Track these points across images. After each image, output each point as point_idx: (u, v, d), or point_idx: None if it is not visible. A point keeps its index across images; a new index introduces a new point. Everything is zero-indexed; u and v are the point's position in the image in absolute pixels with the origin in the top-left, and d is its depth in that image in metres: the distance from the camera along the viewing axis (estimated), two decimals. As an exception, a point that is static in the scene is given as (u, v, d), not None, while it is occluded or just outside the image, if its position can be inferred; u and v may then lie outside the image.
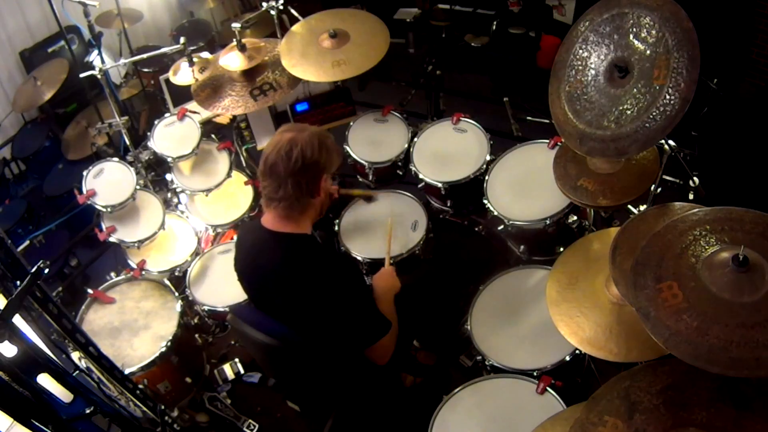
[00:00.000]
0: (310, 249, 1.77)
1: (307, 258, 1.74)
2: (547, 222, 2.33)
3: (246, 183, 3.11)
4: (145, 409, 1.85)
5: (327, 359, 1.80)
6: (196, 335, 2.77)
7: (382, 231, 2.59)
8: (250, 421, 2.61)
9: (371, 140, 2.89)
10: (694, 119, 3.20)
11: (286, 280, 1.72)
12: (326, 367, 1.84)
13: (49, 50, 4.08)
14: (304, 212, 1.75)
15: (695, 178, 2.27)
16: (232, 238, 2.98)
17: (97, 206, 2.75)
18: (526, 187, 2.50)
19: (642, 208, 2.18)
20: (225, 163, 3.02)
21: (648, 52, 1.66)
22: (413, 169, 2.72)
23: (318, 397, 2.11)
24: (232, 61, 2.68)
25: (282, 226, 1.74)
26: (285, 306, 1.76)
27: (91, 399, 1.61)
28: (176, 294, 2.60)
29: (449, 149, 2.74)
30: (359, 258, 2.51)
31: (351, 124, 2.95)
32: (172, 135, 2.99)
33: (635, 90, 1.68)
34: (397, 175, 2.88)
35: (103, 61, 3.50)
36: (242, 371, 2.81)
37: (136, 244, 2.77)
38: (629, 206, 2.30)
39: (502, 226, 2.47)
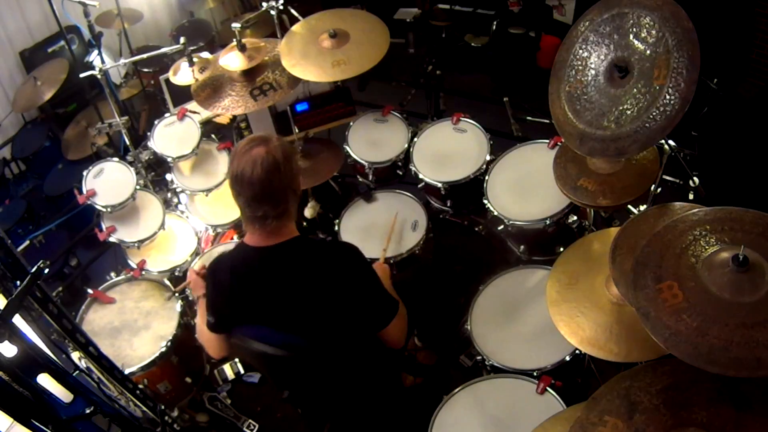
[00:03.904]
0: (318, 245, 1.77)
1: (322, 253, 1.73)
2: (547, 222, 2.33)
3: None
4: (145, 409, 1.85)
5: (336, 360, 1.80)
6: (196, 335, 2.77)
7: (382, 231, 2.59)
8: (250, 421, 2.61)
9: (371, 140, 2.89)
10: (694, 119, 3.20)
11: (312, 281, 1.69)
12: (334, 369, 1.84)
13: (49, 50, 4.08)
14: (293, 215, 1.72)
15: (695, 178, 2.27)
16: (232, 238, 2.98)
17: (97, 206, 2.75)
18: (526, 187, 2.50)
19: (642, 208, 2.18)
20: (225, 163, 3.02)
21: (648, 52, 1.66)
22: (413, 169, 2.72)
23: (322, 400, 2.10)
24: (232, 61, 2.68)
25: (278, 238, 1.69)
26: (308, 310, 1.71)
27: (91, 399, 1.61)
28: (176, 294, 2.60)
29: (449, 149, 2.74)
30: (359, 258, 2.51)
31: (351, 124, 2.95)
32: (172, 135, 2.99)
33: (635, 90, 1.68)
34: (397, 175, 2.88)
35: (103, 61, 3.50)
36: (242, 371, 2.81)
37: (136, 244, 2.76)
38: (629, 206, 2.30)
39: (502, 226, 2.47)
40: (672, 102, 1.58)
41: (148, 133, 3.01)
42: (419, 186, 2.73)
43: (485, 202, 2.51)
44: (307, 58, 2.69)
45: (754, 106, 3.56)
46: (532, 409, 1.85)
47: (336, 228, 2.68)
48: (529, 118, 3.44)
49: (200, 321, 1.98)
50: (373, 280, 1.78)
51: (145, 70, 4.20)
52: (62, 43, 3.99)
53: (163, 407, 1.96)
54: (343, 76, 2.66)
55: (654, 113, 1.61)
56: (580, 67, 1.85)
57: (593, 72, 1.81)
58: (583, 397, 1.51)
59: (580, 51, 1.85)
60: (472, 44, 4.70)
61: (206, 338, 1.91)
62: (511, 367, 2.02)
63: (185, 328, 2.54)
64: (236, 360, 2.81)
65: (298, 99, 2.93)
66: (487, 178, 2.56)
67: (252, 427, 2.59)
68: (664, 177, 1.99)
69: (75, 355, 1.68)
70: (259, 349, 1.72)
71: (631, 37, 1.70)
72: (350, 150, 2.84)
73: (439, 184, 2.62)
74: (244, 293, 1.73)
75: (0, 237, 1.42)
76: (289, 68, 2.67)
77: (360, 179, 2.96)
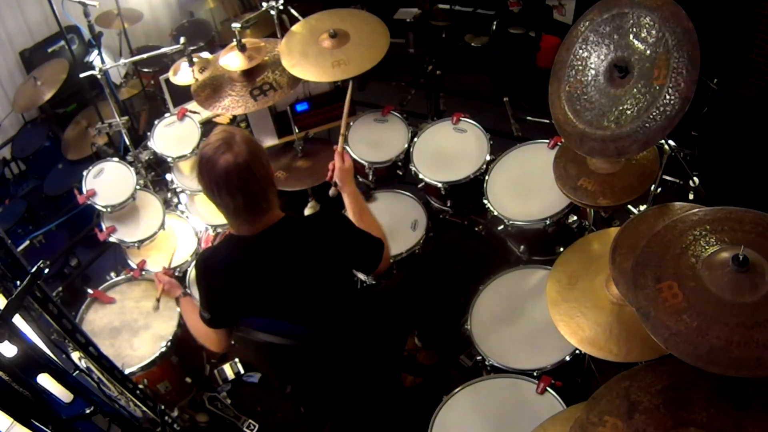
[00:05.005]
0: (301, 219, 1.84)
1: (307, 224, 1.80)
2: (547, 222, 2.33)
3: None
4: (145, 409, 1.85)
5: (340, 349, 1.81)
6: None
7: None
8: (250, 421, 2.61)
9: (371, 140, 2.89)
10: (694, 119, 3.20)
11: (306, 251, 1.72)
12: (338, 352, 1.85)
13: (49, 50, 4.08)
14: (277, 200, 1.73)
15: (695, 178, 2.27)
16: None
17: (97, 206, 2.75)
18: (526, 187, 2.50)
19: (642, 208, 2.18)
20: (225, 163, 3.02)
21: (648, 52, 1.66)
22: (413, 169, 2.72)
23: (325, 392, 2.10)
24: (232, 61, 2.68)
25: (267, 222, 1.70)
26: (308, 279, 1.73)
27: (91, 399, 1.61)
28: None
29: (449, 149, 2.74)
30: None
31: (351, 124, 2.95)
32: (172, 135, 2.99)
33: (635, 90, 1.68)
34: (397, 175, 2.88)
35: (103, 61, 3.50)
36: (242, 371, 2.80)
37: (136, 244, 2.76)
38: (629, 206, 2.30)
39: (502, 226, 2.47)
40: (672, 102, 1.58)
41: (148, 133, 3.01)
42: (419, 186, 2.73)
43: (485, 202, 2.51)
44: (307, 58, 2.69)
45: (754, 106, 3.56)
46: (532, 409, 1.85)
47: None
48: (529, 118, 3.44)
49: (192, 318, 1.98)
50: (355, 231, 1.84)
51: (145, 70, 4.20)
52: (62, 43, 3.99)
53: (163, 407, 1.96)
54: (343, 76, 2.66)
55: (654, 113, 1.61)
56: (580, 67, 1.85)
57: (593, 72, 1.81)
58: (583, 397, 1.51)
59: (580, 51, 1.85)
60: (472, 44, 4.70)
61: (203, 334, 1.91)
62: (511, 367, 2.02)
63: (185, 328, 2.54)
64: (236, 360, 2.81)
65: (298, 99, 2.93)
66: (487, 178, 2.56)
67: (252, 427, 2.59)
68: (664, 177, 1.99)
69: (75, 355, 1.68)
70: (265, 339, 1.73)
71: (631, 37, 1.70)
72: (350, 150, 2.84)
73: (439, 184, 2.62)
74: (242, 283, 1.73)
75: (0, 237, 1.42)
76: (289, 68, 2.67)
77: (360, 179, 2.96)
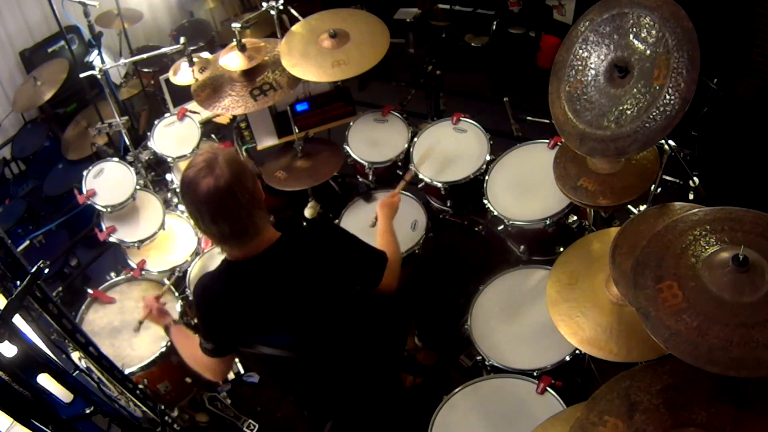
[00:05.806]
0: (301, 237, 1.78)
1: (307, 242, 1.75)
2: (547, 222, 2.33)
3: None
4: (145, 409, 1.86)
5: (343, 353, 1.81)
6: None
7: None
8: (250, 421, 2.61)
9: (371, 140, 2.89)
10: (694, 119, 3.20)
11: (308, 271, 1.69)
12: (341, 364, 1.84)
13: (49, 50, 4.08)
14: (266, 217, 1.69)
15: (695, 178, 2.27)
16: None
17: (97, 206, 2.75)
18: (526, 187, 2.50)
19: (642, 208, 2.18)
20: (225, 163, 3.02)
21: (648, 52, 1.66)
22: (413, 169, 2.72)
23: (328, 399, 2.10)
24: (232, 61, 2.68)
25: (263, 245, 1.67)
26: (313, 299, 1.70)
27: (91, 399, 1.62)
28: (176, 294, 2.60)
29: (449, 149, 2.74)
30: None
31: (351, 124, 2.95)
32: (172, 135, 2.99)
33: (635, 90, 1.68)
34: (397, 175, 2.88)
35: (103, 61, 3.51)
36: (242, 371, 2.81)
37: (136, 244, 2.76)
38: (629, 206, 2.30)
39: (502, 226, 2.47)
40: (672, 102, 1.58)
41: (148, 133, 3.01)
42: (419, 186, 2.73)
43: (485, 202, 2.51)
44: (307, 58, 2.69)
45: (754, 106, 3.56)
46: (532, 409, 1.85)
47: (336, 228, 2.68)
48: (529, 118, 3.44)
49: (186, 349, 1.94)
50: (357, 243, 1.82)
51: (145, 70, 4.20)
52: (62, 43, 3.99)
53: (163, 407, 1.97)
54: (343, 76, 2.66)
55: (654, 113, 1.61)
56: (580, 67, 1.85)
57: (593, 72, 1.81)
58: (583, 397, 1.51)
59: (580, 51, 1.85)
60: (472, 44, 4.70)
61: (202, 364, 1.85)
62: (511, 367, 2.02)
63: (185, 328, 2.54)
64: (236, 360, 2.81)
65: (298, 99, 2.93)
66: (487, 178, 2.56)
67: (252, 427, 2.59)
68: (664, 177, 1.99)
69: (75, 355, 1.68)
70: (265, 353, 1.71)
71: (631, 37, 1.70)
72: (350, 150, 2.84)
73: (439, 184, 2.62)
74: (242, 310, 1.68)
75: (0, 237, 1.42)
76: (289, 68, 2.67)
77: (360, 179, 2.96)
